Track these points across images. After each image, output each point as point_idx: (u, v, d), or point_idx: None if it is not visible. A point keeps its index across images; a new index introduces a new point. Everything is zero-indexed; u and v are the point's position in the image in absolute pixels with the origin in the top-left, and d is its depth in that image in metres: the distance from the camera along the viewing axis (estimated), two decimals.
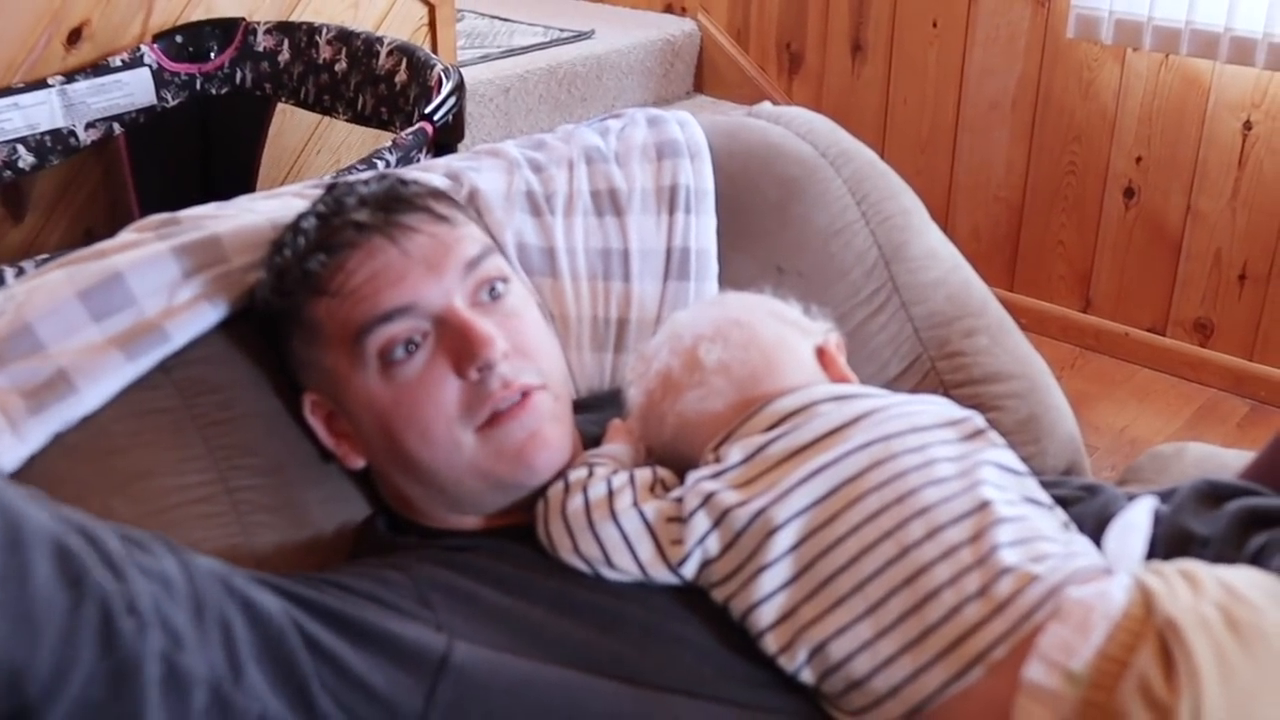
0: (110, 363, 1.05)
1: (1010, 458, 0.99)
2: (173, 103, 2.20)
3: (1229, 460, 1.33)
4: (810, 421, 0.97)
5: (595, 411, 1.17)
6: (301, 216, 1.07)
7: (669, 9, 3.68)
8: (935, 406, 1.01)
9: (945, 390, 1.34)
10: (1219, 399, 2.89)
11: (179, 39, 2.19)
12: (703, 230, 1.33)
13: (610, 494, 0.98)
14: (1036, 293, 3.15)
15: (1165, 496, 1.02)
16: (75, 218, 2.22)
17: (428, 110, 1.82)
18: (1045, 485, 1.01)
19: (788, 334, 1.08)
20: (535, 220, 1.29)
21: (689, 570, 0.96)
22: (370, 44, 2.09)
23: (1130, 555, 0.91)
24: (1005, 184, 3.13)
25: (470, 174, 1.29)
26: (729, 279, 1.32)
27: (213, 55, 2.22)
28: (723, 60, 3.59)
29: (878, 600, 0.89)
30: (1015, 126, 3.07)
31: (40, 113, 2.03)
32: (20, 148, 2.01)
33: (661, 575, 0.96)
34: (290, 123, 2.40)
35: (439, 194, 1.10)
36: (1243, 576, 0.85)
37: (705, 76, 3.64)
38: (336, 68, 2.13)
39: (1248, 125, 2.71)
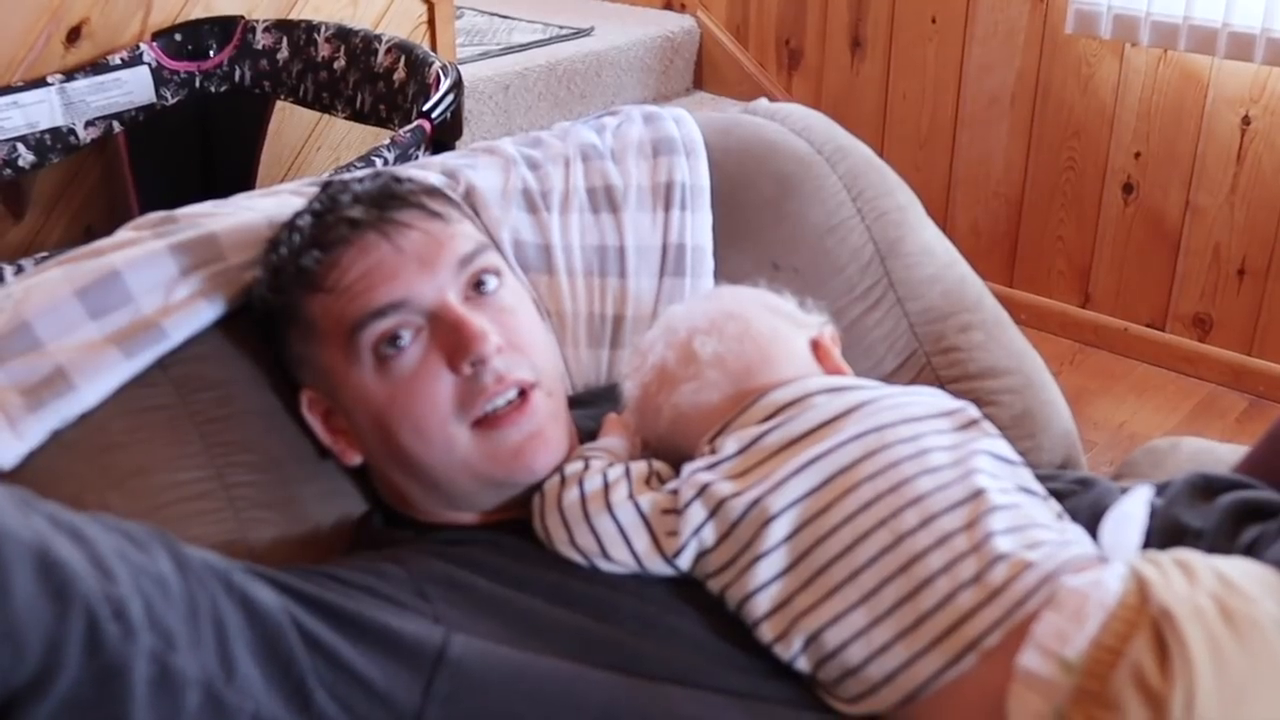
0: (108, 360, 1.05)
1: (1004, 447, 0.99)
2: (172, 101, 2.20)
3: (1223, 455, 1.33)
4: (805, 413, 0.98)
5: (592, 407, 1.18)
6: (297, 214, 1.07)
7: (668, 6, 3.67)
8: (929, 397, 1.02)
9: (941, 386, 1.34)
10: (1218, 394, 2.89)
11: (178, 37, 2.19)
12: (698, 227, 1.34)
13: (606, 486, 0.98)
14: (1036, 288, 3.15)
15: (1160, 489, 1.03)
16: (75, 216, 2.22)
17: (426, 108, 1.82)
18: (1039, 478, 1.01)
19: (782, 326, 1.08)
20: (532, 217, 1.29)
21: (684, 561, 0.96)
22: (369, 42, 2.09)
23: (1126, 545, 0.91)
24: (1004, 180, 3.13)
25: (467, 171, 1.29)
26: (725, 275, 1.32)
27: (212, 53, 2.23)
28: (722, 57, 3.59)
29: (872, 588, 0.89)
30: (1014, 122, 3.07)
31: (40, 111, 2.03)
32: (20, 146, 2.02)
33: (657, 567, 0.97)
34: (290, 120, 2.40)
35: (433, 191, 1.10)
36: (1238, 567, 0.85)
37: (705, 73, 3.64)
38: (335, 65, 2.13)
39: (1246, 120, 2.71)
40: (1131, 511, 0.94)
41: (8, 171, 2.02)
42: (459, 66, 2.01)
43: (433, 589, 0.93)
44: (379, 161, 1.67)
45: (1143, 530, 0.93)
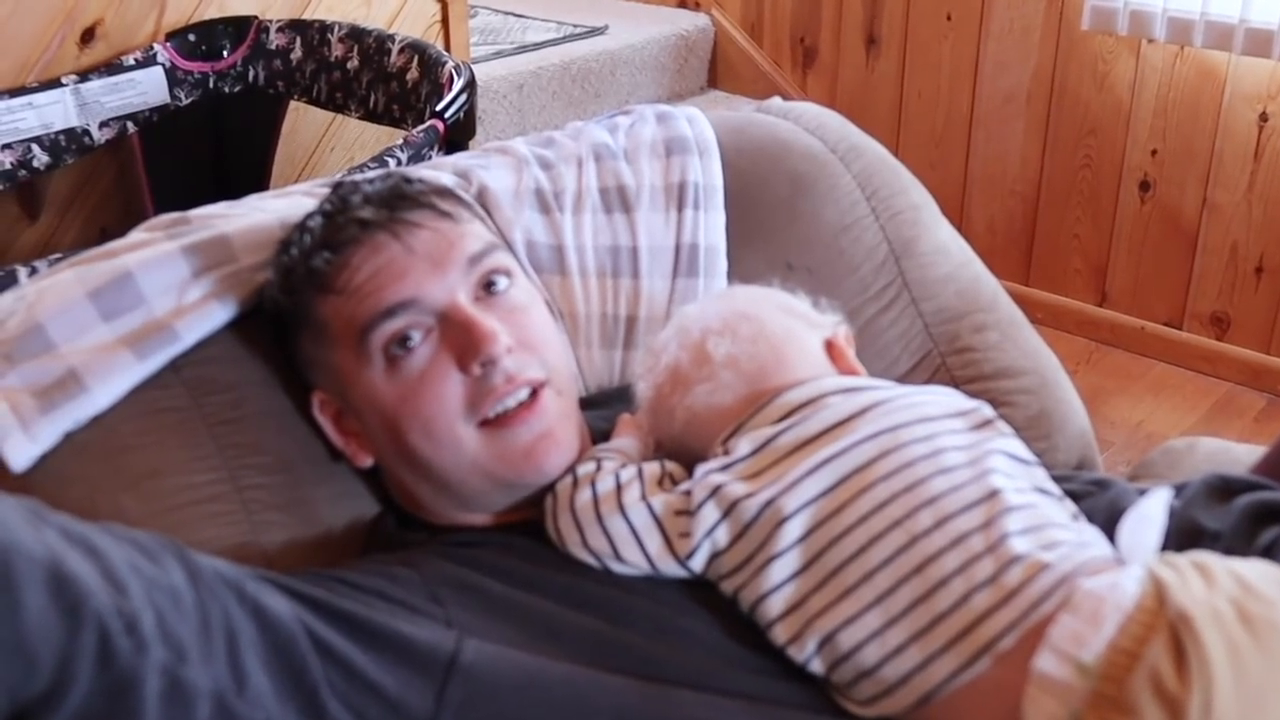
0: (120, 362, 1.05)
1: (1019, 447, 0.99)
2: (186, 101, 2.21)
3: (1240, 455, 1.33)
4: (819, 413, 0.97)
5: (604, 408, 1.17)
6: (308, 215, 1.07)
7: (683, 4, 3.67)
8: (944, 397, 1.01)
9: (956, 386, 1.33)
10: (1236, 393, 2.87)
11: (192, 37, 2.20)
12: (712, 226, 1.33)
13: (618, 488, 0.98)
14: (1052, 287, 3.14)
15: (1177, 491, 1.02)
16: (90, 217, 2.23)
17: (439, 107, 1.82)
18: (1055, 479, 1.00)
19: (796, 327, 1.08)
20: (544, 218, 1.29)
21: (697, 563, 0.96)
22: (382, 41, 2.10)
23: (1144, 547, 0.90)
24: (1020, 178, 3.12)
25: (479, 171, 1.29)
26: (738, 275, 1.32)
27: (225, 53, 2.23)
28: (737, 55, 3.58)
29: (886, 589, 0.88)
30: (1030, 120, 3.06)
31: (54, 112, 2.04)
32: (35, 147, 2.02)
33: (670, 568, 0.96)
34: (303, 120, 2.40)
35: (444, 191, 1.10)
36: (1256, 570, 0.84)
37: (719, 72, 3.63)
38: (348, 65, 2.14)
39: (1264, 117, 2.70)
40: (1149, 513, 0.93)
41: (22, 173, 2.03)
42: (472, 66, 2.01)
43: (445, 592, 0.93)
44: (392, 162, 1.67)
45: (1160, 533, 0.92)
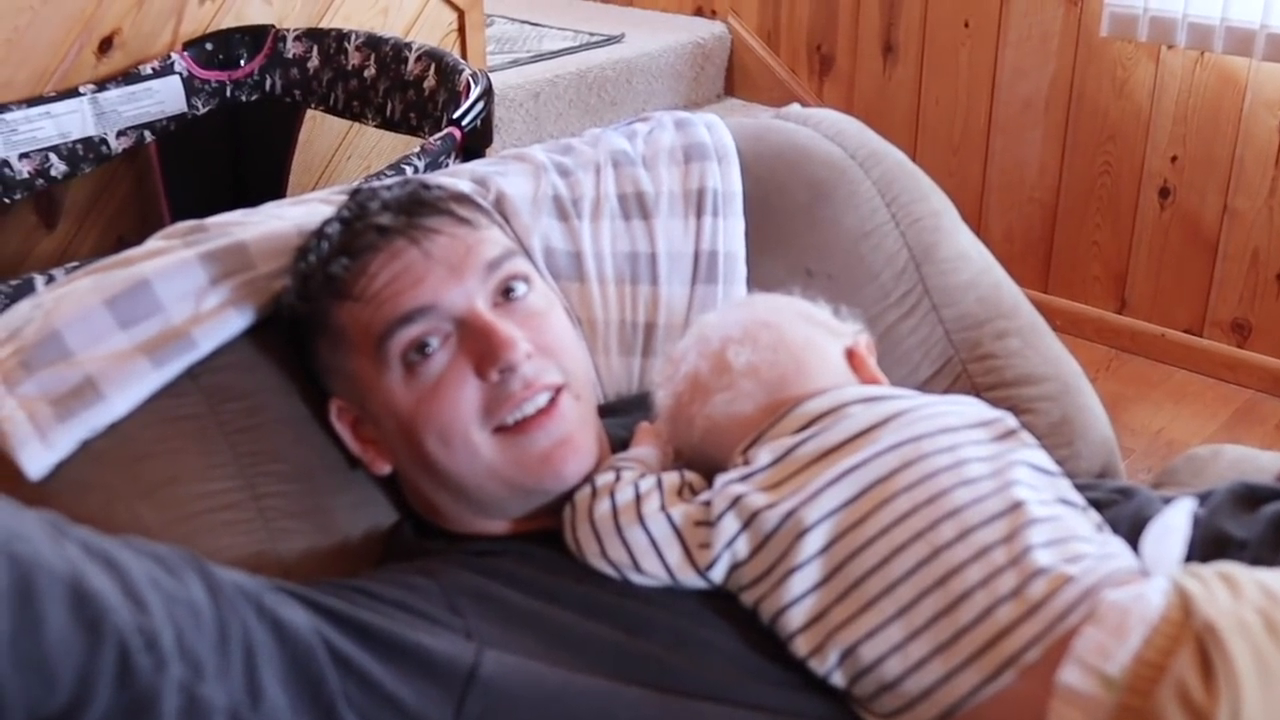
0: (137, 370, 1.05)
1: (1043, 458, 0.98)
2: (203, 110, 2.21)
3: (1265, 463, 1.32)
4: (840, 423, 0.97)
5: (623, 416, 1.17)
6: (326, 222, 1.07)
7: (699, 12, 3.67)
8: (966, 407, 1.00)
9: (977, 393, 1.32)
10: (1257, 400, 2.86)
11: (209, 47, 2.20)
12: (731, 233, 1.33)
13: (638, 498, 0.97)
14: (1071, 294, 3.13)
15: (1202, 499, 1.01)
16: (107, 226, 2.23)
17: (456, 115, 1.82)
18: (1079, 488, 1.00)
19: (816, 335, 1.07)
20: (562, 225, 1.28)
21: (717, 574, 0.95)
22: (399, 50, 2.10)
23: (1168, 558, 0.89)
24: (1039, 185, 3.11)
25: (497, 179, 1.29)
26: (757, 282, 1.31)
27: (243, 62, 2.23)
28: (753, 63, 3.58)
29: (909, 602, 0.88)
30: (1049, 127, 3.05)
31: (72, 121, 2.04)
32: (53, 156, 2.03)
33: (690, 579, 0.95)
34: (320, 129, 2.40)
35: (461, 197, 1.10)
36: None
37: (736, 79, 3.63)
38: (365, 74, 2.14)
39: None
40: (1173, 523, 0.92)
41: (40, 181, 2.03)
42: (489, 74, 2.00)
43: (465, 603, 0.93)
44: (409, 170, 1.67)
45: (1185, 543, 0.91)
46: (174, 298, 1.08)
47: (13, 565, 0.67)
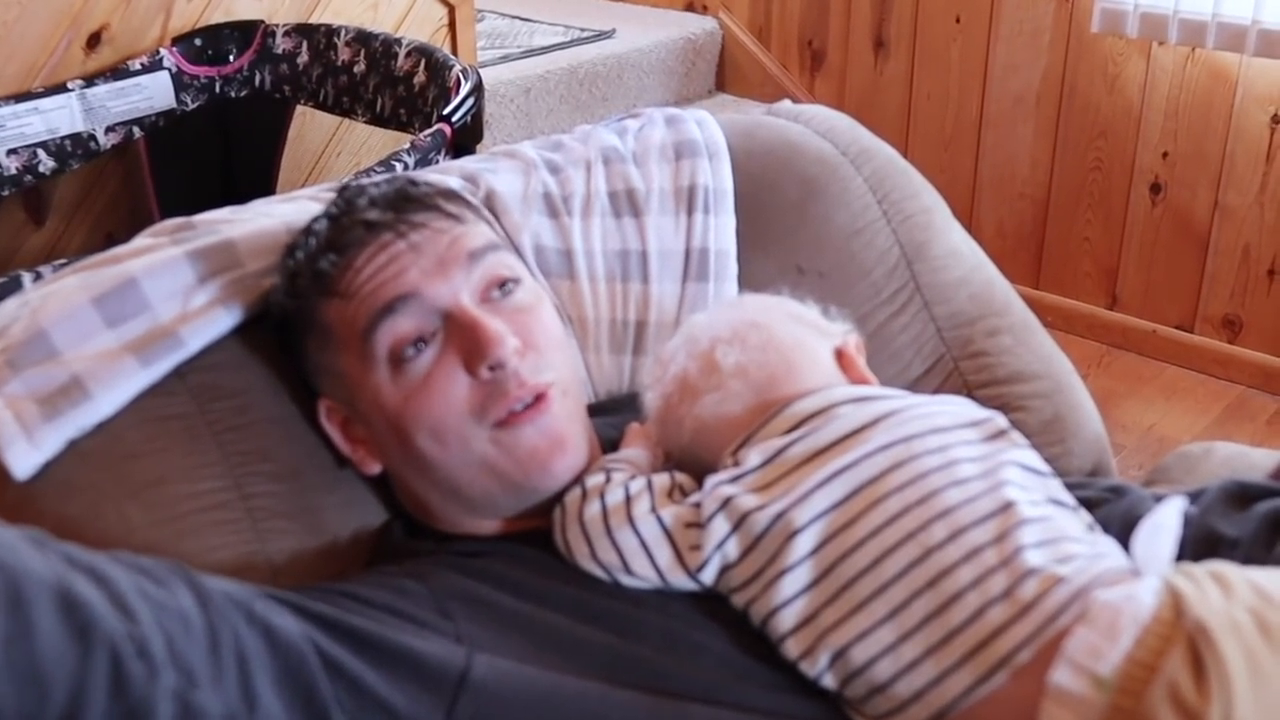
0: (125, 369, 1.04)
1: (1034, 458, 0.97)
2: (192, 106, 2.20)
3: (1257, 460, 1.32)
4: (830, 423, 0.96)
5: (613, 415, 1.16)
6: (314, 219, 1.07)
7: (690, 7, 3.67)
8: (957, 407, 1.00)
9: (969, 391, 1.32)
10: (1248, 396, 2.86)
11: (198, 42, 2.19)
12: (722, 230, 1.32)
13: (628, 500, 0.97)
14: (1062, 290, 3.13)
15: (1193, 497, 1.01)
16: (96, 222, 2.23)
17: (446, 111, 1.82)
18: (1070, 487, 1.00)
19: (806, 336, 1.06)
20: (553, 222, 1.28)
21: (708, 576, 0.95)
22: (389, 45, 2.09)
23: (1159, 557, 0.89)
24: (1030, 181, 3.11)
25: (487, 176, 1.28)
26: (748, 279, 1.31)
27: (232, 58, 2.23)
28: (744, 58, 3.57)
29: (900, 603, 0.87)
30: (1040, 122, 3.05)
31: (60, 117, 2.03)
32: (41, 152, 2.02)
33: (680, 581, 0.95)
34: (310, 125, 2.40)
35: (449, 193, 1.09)
36: (1275, 579, 0.83)
37: (727, 75, 3.63)
38: (355, 69, 2.13)
39: (1276, 119, 2.69)
40: (1164, 522, 0.92)
41: (28, 178, 2.02)
42: (479, 70, 2.00)
43: (455, 606, 0.92)
44: (399, 166, 1.66)
45: (1176, 542, 0.91)
46: (162, 296, 1.08)
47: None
